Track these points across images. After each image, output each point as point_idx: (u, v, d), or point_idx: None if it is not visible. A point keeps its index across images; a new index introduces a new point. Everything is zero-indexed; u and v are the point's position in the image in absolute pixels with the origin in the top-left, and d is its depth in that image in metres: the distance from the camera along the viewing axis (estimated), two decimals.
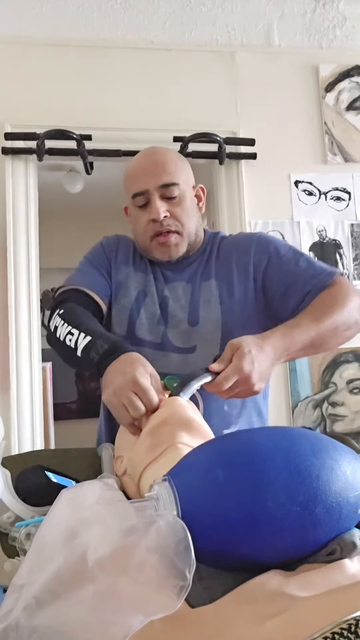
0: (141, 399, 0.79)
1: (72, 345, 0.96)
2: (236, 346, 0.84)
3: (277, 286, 1.11)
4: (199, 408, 0.89)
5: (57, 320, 1.03)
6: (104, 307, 1.14)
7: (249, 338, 0.86)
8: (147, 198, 1.12)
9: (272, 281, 1.12)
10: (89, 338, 0.94)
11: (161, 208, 1.10)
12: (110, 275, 1.19)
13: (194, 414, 0.79)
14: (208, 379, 0.81)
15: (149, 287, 1.17)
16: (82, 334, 0.96)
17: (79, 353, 0.94)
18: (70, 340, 0.97)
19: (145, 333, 1.11)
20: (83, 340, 0.95)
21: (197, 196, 1.21)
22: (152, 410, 0.78)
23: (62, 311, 1.05)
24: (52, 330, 1.04)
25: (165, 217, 1.10)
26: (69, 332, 0.98)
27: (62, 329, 1.00)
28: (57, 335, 1.00)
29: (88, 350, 0.93)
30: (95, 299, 1.12)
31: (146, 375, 0.82)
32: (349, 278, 2.35)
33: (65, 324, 1.00)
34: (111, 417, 1.06)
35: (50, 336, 1.06)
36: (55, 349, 1.06)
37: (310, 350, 0.97)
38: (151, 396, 0.79)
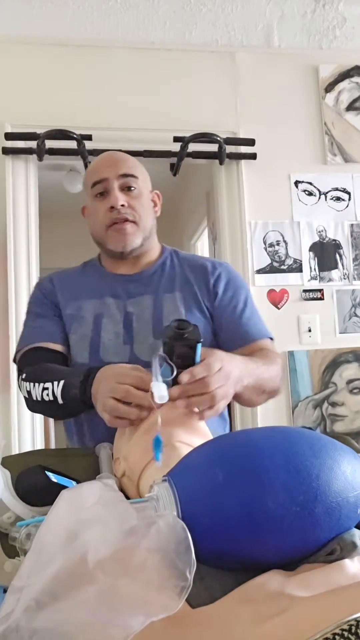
0: (131, 385, 0.79)
1: (52, 398, 0.97)
2: (210, 352, 0.82)
3: (218, 323, 1.16)
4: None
5: (26, 385, 1.05)
6: (64, 349, 1.14)
7: (220, 351, 0.86)
8: (106, 187, 1.15)
9: (216, 317, 1.17)
10: (62, 382, 0.96)
11: (120, 196, 1.13)
12: (58, 315, 1.18)
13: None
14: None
15: (106, 309, 1.15)
16: (55, 382, 0.97)
17: (60, 401, 0.96)
18: (47, 394, 0.98)
19: (111, 356, 1.10)
20: (58, 388, 0.97)
21: (153, 200, 1.24)
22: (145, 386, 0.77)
23: (24, 375, 1.07)
24: (28, 396, 1.05)
25: (122, 205, 1.13)
26: (44, 389, 0.99)
27: (36, 390, 1.01)
28: (35, 398, 1.02)
29: (67, 392, 0.95)
30: (52, 348, 1.12)
31: (122, 366, 0.86)
32: (348, 278, 2.35)
33: (36, 384, 1.02)
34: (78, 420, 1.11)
35: (28, 402, 1.08)
36: (39, 411, 1.10)
37: (250, 390, 0.96)
38: (135, 374, 0.80)
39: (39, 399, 1.00)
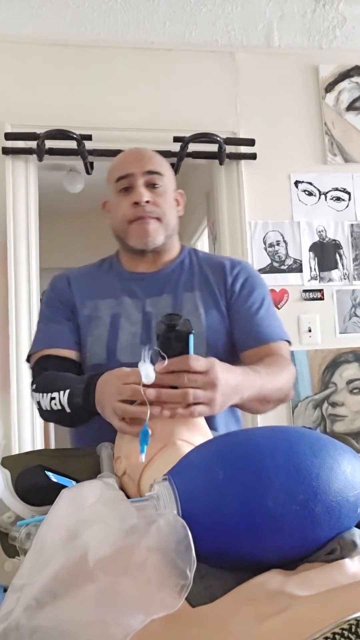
0: (135, 382, 0.77)
1: (60, 407, 0.97)
2: (206, 359, 0.80)
3: (233, 322, 1.14)
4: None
5: (36, 396, 1.05)
6: (74, 355, 1.13)
7: (217, 360, 0.83)
8: (131, 182, 1.13)
9: (231, 316, 1.15)
10: (67, 391, 0.96)
11: (144, 192, 1.11)
12: (71, 317, 1.16)
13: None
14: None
15: (123, 309, 1.14)
16: (61, 392, 0.97)
17: (68, 409, 0.96)
18: (55, 404, 0.98)
19: (127, 356, 1.09)
20: (64, 397, 0.96)
21: (177, 200, 1.22)
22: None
23: (34, 386, 1.08)
24: (38, 406, 1.05)
25: (147, 202, 1.11)
26: (51, 398, 0.99)
27: (45, 400, 1.01)
28: (44, 408, 1.01)
29: (72, 400, 0.94)
30: (62, 355, 1.12)
31: (123, 368, 0.83)
32: (348, 278, 2.35)
33: (44, 394, 1.01)
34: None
35: (40, 412, 1.07)
36: (52, 421, 1.08)
37: (253, 402, 0.94)
38: (138, 371, 0.76)
39: (48, 408, 1.00)
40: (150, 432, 0.69)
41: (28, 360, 1.19)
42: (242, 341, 1.12)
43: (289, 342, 1.15)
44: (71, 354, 1.13)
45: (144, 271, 1.19)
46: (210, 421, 0.99)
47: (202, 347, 1.08)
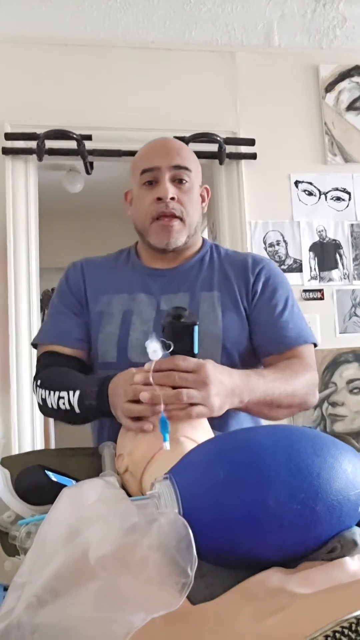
0: (139, 382, 0.77)
1: (69, 407, 0.95)
2: (199, 360, 0.78)
3: (255, 324, 1.09)
4: None
5: (42, 392, 1.02)
6: (80, 354, 1.11)
7: (212, 362, 0.81)
8: (156, 176, 1.08)
9: (253, 318, 1.10)
10: (78, 392, 0.94)
11: (170, 188, 1.06)
12: (80, 312, 1.14)
13: None
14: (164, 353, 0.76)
15: (135, 306, 1.10)
16: (71, 392, 0.95)
17: (77, 410, 0.94)
18: (64, 403, 0.96)
19: (138, 356, 1.05)
20: (74, 397, 0.94)
21: (202, 196, 1.17)
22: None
23: (39, 381, 1.05)
24: (43, 403, 1.03)
25: (172, 199, 1.06)
26: (59, 397, 0.97)
27: (52, 398, 0.99)
28: (50, 405, 1.00)
29: (82, 402, 0.93)
30: (66, 353, 1.10)
31: (130, 370, 0.83)
32: (348, 278, 2.36)
33: (52, 392, 0.99)
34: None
35: (43, 408, 1.05)
36: (55, 417, 1.05)
37: (259, 406, 0.91)
38: (141, 369, 0.78)
39: (55, 407, 0.98)
40: (160, 424, 0.69)
41: (35, 346, 1.17)
42: (263, 346, 1.07)
43: (314, 344, 1.10)
44: (77, 352, 1.11)
45: (163, 267, 1.15)
46: (222, 424, 0.98)
47: (217, 349, 1.04)
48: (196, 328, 0.77)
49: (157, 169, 1.07)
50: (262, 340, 1.07)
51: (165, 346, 0.74)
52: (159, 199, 1.06)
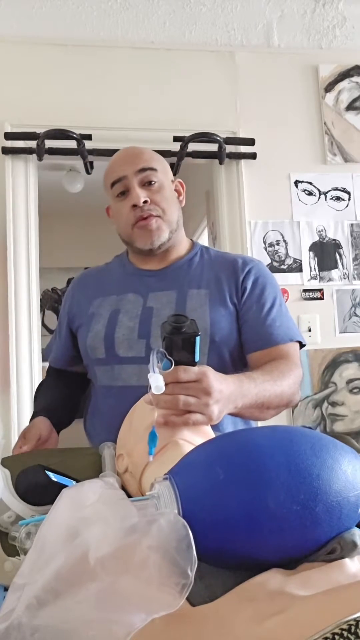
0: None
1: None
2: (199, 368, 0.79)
3: (243, 321, 1.12)
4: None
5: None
6: (70, 369, 1.30)
7: (210, 368, 0.82)
8: (126, 185, 1.12)
9: (241, 316, 1.12)
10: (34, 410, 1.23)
11: (141, 193, 1.10)
12: (68, 330, 1.26)
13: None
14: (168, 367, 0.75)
15: (123, 305, 1.14)
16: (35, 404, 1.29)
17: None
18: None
19: (125, 351, 1.10)
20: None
21: (177, 190, 1.20)
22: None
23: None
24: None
25: (145, 202, 1.10)
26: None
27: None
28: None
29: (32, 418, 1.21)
30: (60, 369, 1.31)
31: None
32: (348, 278, 2.36)
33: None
34: (96, 414, 1.19)
35: None
36: None
37: (250, 410, 0.92)
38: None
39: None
40: (149, 435, 0.70)
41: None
42: (250, 342, 1.09)
43: (301, 343, 1.12)
44: (68, 369, 1.31)
45: (152, 268, 1.19)
46: (218, 425, 0.98)
47: (204, 343, 1.06)
48: (197, 339, 0.76)
49: (124, 178, 1.12)
50: (250, 337, 1.10)
51: (167, 362, 0.74)
52: (134, 205, 1.10)
